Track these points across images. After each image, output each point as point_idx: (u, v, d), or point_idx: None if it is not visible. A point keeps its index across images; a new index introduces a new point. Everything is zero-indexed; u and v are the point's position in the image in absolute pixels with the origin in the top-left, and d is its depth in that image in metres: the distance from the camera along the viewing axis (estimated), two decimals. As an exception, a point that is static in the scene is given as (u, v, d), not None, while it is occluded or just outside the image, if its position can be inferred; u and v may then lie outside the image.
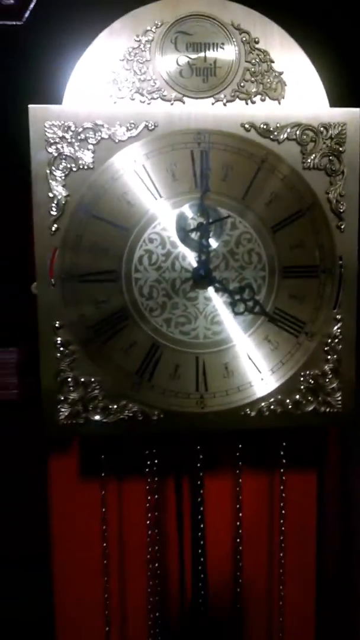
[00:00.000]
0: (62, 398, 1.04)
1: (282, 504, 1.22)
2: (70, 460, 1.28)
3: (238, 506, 1.23)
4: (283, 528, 1.23)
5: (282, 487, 1.22)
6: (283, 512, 1.23)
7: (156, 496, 1.20)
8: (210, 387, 1.07)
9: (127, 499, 1.28)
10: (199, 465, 1.18)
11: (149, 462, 1.18)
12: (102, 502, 1.18)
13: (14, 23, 0.95)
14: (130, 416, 1.06)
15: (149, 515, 1.21)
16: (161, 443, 1.16)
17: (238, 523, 1.24)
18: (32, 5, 0.93)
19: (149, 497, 1.20)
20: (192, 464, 1.19)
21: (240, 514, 1.23)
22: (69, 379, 1.04)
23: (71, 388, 1.04)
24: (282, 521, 1.23)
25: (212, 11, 1.01)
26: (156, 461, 1.17)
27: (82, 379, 1.04)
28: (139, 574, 1.25)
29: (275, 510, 1.28)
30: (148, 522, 1.20)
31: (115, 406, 1.05)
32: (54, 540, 1.27)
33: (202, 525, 1.22)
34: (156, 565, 1.22)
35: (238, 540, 1.24)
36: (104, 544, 1.19)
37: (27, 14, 0.94)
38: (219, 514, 1.30)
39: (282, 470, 1.20)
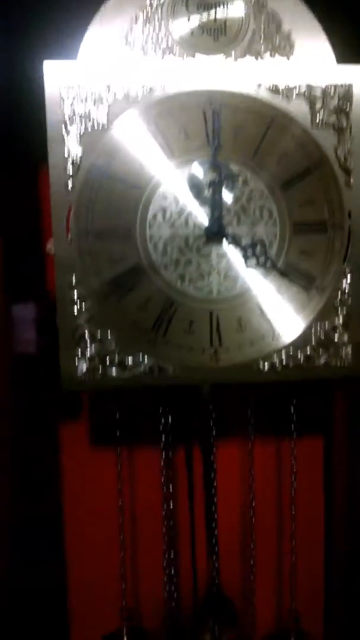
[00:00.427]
0: (80, 353, 1.06)
1: (293, 457, 1.25)
2: (81, 425, 1.31)
3: (251, 462, 1.26)
4: (294, 482, 1.26)
5: (292, 445, 1.25)
6: (294, 470, 1.26)
7: (170, 454, 1.23)
8: (224, 342, 1.09)
9: (139, 460, 1.31)
10: (211, 423, 1.21)
11: (162, 421, 1.21)
12: (116, 461, 1.21)
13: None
14: (146, 371, 1.08)
15: (163, 472, 1.24)
16: (173, 401, 1.19)
17: (250, 480, 1.27)
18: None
19: (163, 454, 1.23)
20: (205, 423, 1.21)
21: (252, 471, 1.26)
22: (86, 335, 1.06)
23: (88, 343, 1.06)
24: (293, 477, 1.26)
25: (222, -29, 1.03)
26: (169, 417, 1.20)
27: (99, 335, 1.06)
28: (153, 533, 1.28)
29: (285, 471, 1.31)
30: (162, 479, 1.23)
31: (131, 361, 1.08)
32: (66, 499, 1.30)
33: (214, 484, 1.25)
34: (171, 522, 1.25)
35: (251, 495, 1.27)
36: (119, 501, 1.22)
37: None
38: (230, 475, 1.33)
39: (292, 425, 1.24)
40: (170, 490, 1.26)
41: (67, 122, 1.02)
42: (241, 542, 1.35)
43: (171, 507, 1.26)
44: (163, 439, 1.22)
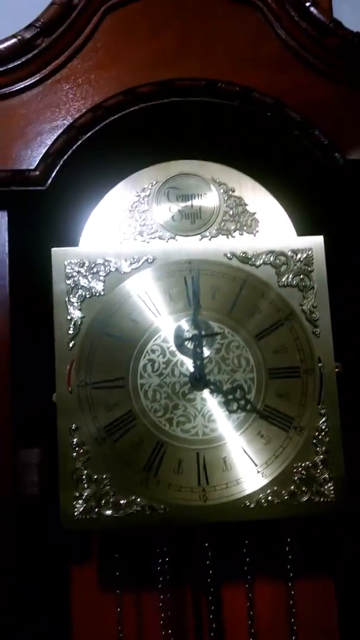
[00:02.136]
0: (77, 494, 1.16)
1: (291, 600, 1.25)
2: (90, 570, 1.36)
3: (250, 604, 1.27)
4: (294, 624, 1.26)
5: (290, 585, 1.26)
6: (293, 611, 1.26)
7: (168, 595, 1.26)
8: (211, 481, 1.18)
9: (144, 601, 1.33)
10: (208, 562, 1.25)
11: (159, 561, 1.25)
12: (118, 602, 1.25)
13: (39, 188, 1.22)
14: (138, 510, 1.16)
15: (162, 615, 1.25)
16: (171, 542, 1.25)
17: (250, 622, 1.27)
18: (54, 174, 1.21)
19: (161, 596, 1.25)
20: (201, 563, 1.25)
21: (252, 613, 1.27)
22: (84, 477, 1.17)
23: (85, 485, 1.16)
24: (292, 619, 1.26)
25: (195, 170, 1.28)
26: (167, 558, 1.25)
27: (95, 476, 1.17)
28: None
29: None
30: (161, 621, 1.25)
31: (124, 501, 1.16)
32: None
33: (214, 625, 1.25)
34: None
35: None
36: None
37: (49, 181, 1.21)
38: (232, 616, 1.33)
39: (288, 565, 1.26)
40: (170, 633, 1.26)
41: (70, 292, 1.22)
42: None
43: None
44: (161, 579, 1.25)
